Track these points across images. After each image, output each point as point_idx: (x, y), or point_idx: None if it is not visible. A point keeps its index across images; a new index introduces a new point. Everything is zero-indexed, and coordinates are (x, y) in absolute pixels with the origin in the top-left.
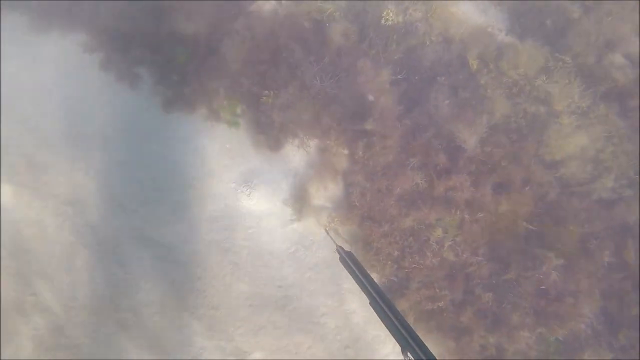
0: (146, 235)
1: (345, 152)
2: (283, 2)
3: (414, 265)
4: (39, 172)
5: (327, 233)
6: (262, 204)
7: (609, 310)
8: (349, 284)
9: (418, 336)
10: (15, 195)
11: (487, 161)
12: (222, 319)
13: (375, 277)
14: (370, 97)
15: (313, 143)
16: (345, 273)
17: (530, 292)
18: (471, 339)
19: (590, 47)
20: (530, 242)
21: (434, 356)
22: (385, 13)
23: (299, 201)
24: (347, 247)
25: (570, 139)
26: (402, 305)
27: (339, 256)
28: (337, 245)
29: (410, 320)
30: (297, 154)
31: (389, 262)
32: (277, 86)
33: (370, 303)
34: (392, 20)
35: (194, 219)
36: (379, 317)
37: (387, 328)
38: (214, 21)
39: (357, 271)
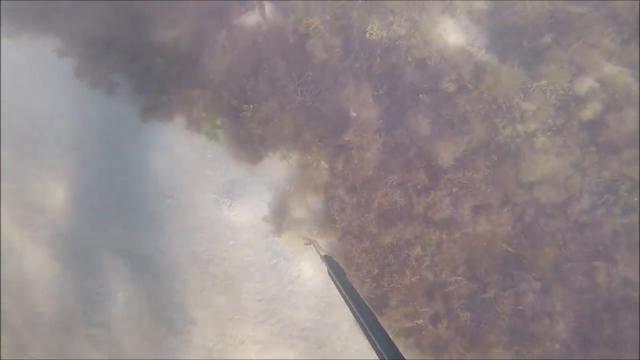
0: (122, 247)
1: (326, 166)
2: (268, 16)
3: (392, 285)
4: (8, 178)
5: (311, 243)
6: (244, 216)
7: (582, 329)
8: (331, 297)
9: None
10: None
11: (466, 183)
12: (200, 334)
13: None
14: (353, 113)
15: (294, 157)
16: (328, 284)
17: (507, 311)
18: (449, 357)
19: (563, 70)
20: (508, 263)
21: None
22: (369, 27)
23: (280, 215)
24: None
25: (546, 158)
26: (381, 323)
27: (325, 266)
28: (321, 254)
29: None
30: (278, 167)
31: (368, 280)
32: (258, 100)
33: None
34: (377, 34)
35: (173, 230)
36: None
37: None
38: (195, 31)
39: (340, 283)
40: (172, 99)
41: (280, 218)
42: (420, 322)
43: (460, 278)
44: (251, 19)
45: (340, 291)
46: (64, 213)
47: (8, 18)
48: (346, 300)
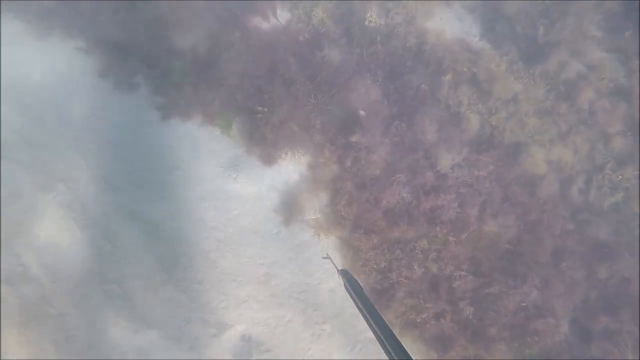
0: (134, 212)
1: (336, 165)
2: (279, 16)
3: (400, 279)
4: (34, 150)
5: (328, 257)
6: (248, 188)
7: (581, 323)
8: (329, 265)
9: None
10: (7, 169)
11: (472, 181)
12: (206, 293)
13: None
14: (362, 112)
15: (305, 159)
16: (323, 256)
17: (510, 308)
18: (452, 349)
19: (554, 56)
20: (511, 259)
21: None
22: (368, 15)
23: (288, 209)
24: (337, 259)
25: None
26: (387, 316)
27: (342, 280)
28: (338, 269)
29: (396, 330)
30: (289, 165)
31: (374, 273)
32: (273, 102)
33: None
34: (375, 22)
35: (181, 198)
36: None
37: None
38: (212, 36)
39: (359, 302)
40: (189, 99)
41: (288, 213)
42: (424, 315)
43: (464, 273)
44: (264, 21)
45: (357, 304)
46: (82, 182)
47: (38, 21)
48: (362, 313)
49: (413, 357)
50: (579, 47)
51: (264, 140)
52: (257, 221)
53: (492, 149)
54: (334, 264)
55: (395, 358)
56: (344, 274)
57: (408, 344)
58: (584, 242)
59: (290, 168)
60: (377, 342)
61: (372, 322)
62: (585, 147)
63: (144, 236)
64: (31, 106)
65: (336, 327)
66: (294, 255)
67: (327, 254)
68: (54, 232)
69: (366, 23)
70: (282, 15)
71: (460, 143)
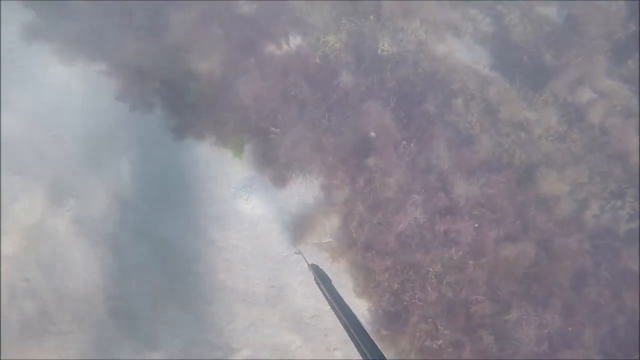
0: (145, 231)
1: (349, 187)
2: (292, 42)
3: (414, 300)
4: (49, 166)
5: (300, 253)
6: (260, 209)
7: (608, 351)
8: (342, 290)
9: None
10: (21, 184)
11: (485, 202)
12: (213, 314)
13: (370, 306)
14: (372, 134)
15: (317, 181)
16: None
17: (531, 336)
18: None
19: (562, 82)
20: (529, 284)
21: None
22: (381, 44)
23: (300, 231)
24: (343, 277)
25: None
26: (401, 342)
27: (312, 274)
28: (309, 263)
29: (411, 357)
30: (301, 187)
31: (387, 295)
32: (286, 124)
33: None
34: (388, 50)
35: (192, 218)
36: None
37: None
38: (227, 61)
39: (327, 292)
40: (203, 120)
41: (299, 233)
42: (440, 342)
43: (480, 297)
44: (278, 49)
45: (326, 297)
46: (96, 199)
47: (66, 46)
48: (331, 305)
49: None
50: (588, 74)
51: (276, 161)
52: (268, 243)
53: (504, 169)
54: (304, 258)
55: (362, 345)
56: (314, 268)
57: None
58: (607, 267)
59: (302, 191)
60: None
61: (342, 316)
62: (601, 169)
63: (152, 254)
64: (50, 124)
65: (348, 354)
66: (305, 278)
67: (297, 250)
68: (63, 247)
69: (379, 52)
70: (295, 42)
71: (473, 164)
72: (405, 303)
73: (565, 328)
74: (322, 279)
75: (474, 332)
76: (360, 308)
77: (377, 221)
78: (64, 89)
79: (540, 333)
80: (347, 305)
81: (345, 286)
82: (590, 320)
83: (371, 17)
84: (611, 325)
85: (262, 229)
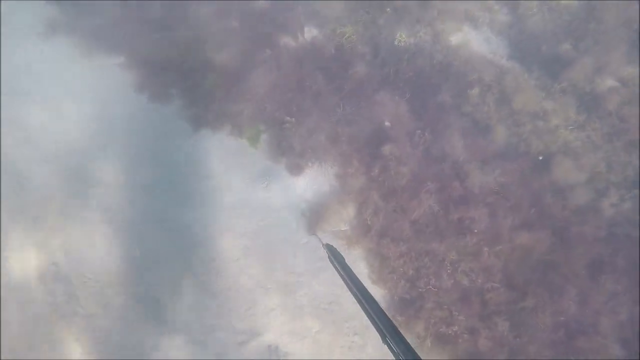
0: (166, 219)
1: (364, 176)
2: (307, 34)
3: (429, 287)
4: (74, 155)
5: (314, 234)
6: (277, 197)
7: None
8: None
9: (396, 330)
10: (46, 172)
11: (499, 190)
12: (234, 300)
13: (386, 293)
14: (387, 123)
15: (333, 170)
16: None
17: (547, 323)
18: None
19: (582, 71)
20: (545, 272)
21: (409, 345)
22: (398, 35)
23: (317, 219)
24: (359, 264)
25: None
26: (416, 328)
27: (327, 253)
28: (323, 243)
29: (427, 344)
30: (317, 176)
31: (402, 281)
32: (301, 113)
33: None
34: (405, 41)
35: (211, 207)
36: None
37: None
38: (243, 52)
39: (342, 270)
40: (220, 110)
41: (314, 220)
42: (455, 328)
43: (496, 284)
44: (293, 39)
45: (340, 275)
46: (118, 187)
47: (86, 40)
48: (346, 282)
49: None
50: (608, 63)
51: (291, 150)
52: (286, 230)
53: (520, 158)
54: (319, 239)
55: (378, 321)
56: (329, 247)
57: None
58: (625, 255)
59: (319, 179)
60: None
61: (356, 292)
62: (620, 158)
63: (174, 241)
64: (70, 116)
65: (368, 339)
66: (324, 265)
67: (313, 232)
68: (89, 234)
69: (396, 42)
70: (310, 34)
71: (488, 153)
72: (420, 290)
73: (582, 315)
74: (336, 257)
75: (489, 318)
76: (376, 295)
77: (392, 209)
78: (85, 81)
79: (557, 320)
80: (359, 280)
81: (361, 273)
82: (606, 308)
83: (388, 9)
84: (629, 314)
85: (279, 217)
